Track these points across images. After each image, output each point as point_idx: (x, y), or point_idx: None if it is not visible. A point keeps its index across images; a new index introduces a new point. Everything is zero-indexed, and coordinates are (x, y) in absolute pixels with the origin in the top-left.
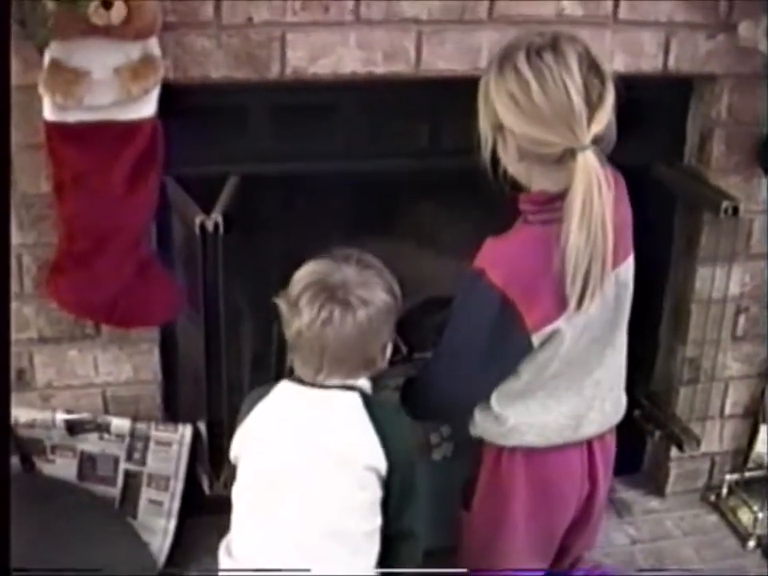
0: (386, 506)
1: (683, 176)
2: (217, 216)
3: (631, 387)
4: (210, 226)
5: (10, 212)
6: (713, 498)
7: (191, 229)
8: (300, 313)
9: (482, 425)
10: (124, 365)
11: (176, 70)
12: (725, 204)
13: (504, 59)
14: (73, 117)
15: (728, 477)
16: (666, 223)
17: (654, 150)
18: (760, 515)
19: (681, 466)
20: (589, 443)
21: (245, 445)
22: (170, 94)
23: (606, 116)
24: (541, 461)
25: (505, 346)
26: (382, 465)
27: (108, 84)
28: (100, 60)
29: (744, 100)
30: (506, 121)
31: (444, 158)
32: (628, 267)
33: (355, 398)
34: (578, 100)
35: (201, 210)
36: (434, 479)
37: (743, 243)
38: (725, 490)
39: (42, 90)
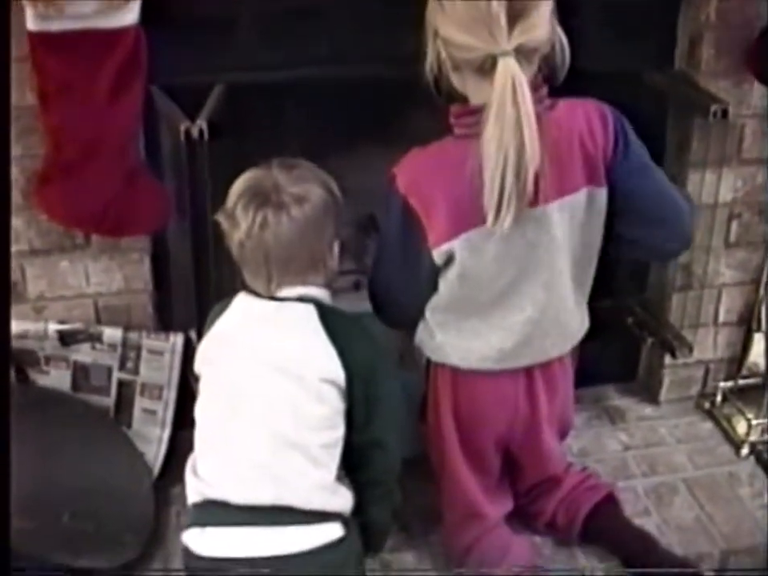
0: (352, 416)
1: (674, 81)
2: (201, 122)
3: (624, 295)
4: (195, 133)
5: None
6: (707, 405)
7: (177, 136)
8: (237, 223)
9: (419, 335)
10: (115, 274)
11: None
12: (714, 107)
13: None
14: (55, 26)
15: (722, 384)
16: (658, 129)
17: (644, 55)
18: (754, 422)
19: (675, 373)
20: (529, 369)
21: (204, 359)
22: (155, 2)
23: (532, 27)
24: (465, 382)
25: (415, 255)
26: (340, 376)
27: None
28: None
29: (733, 3)
30: (435, 24)
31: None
32: (578, 201)
33: (310, 310)
34: (496, 4)
35: (188, 119)
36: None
37: (734, 148)
38: (719, 398)
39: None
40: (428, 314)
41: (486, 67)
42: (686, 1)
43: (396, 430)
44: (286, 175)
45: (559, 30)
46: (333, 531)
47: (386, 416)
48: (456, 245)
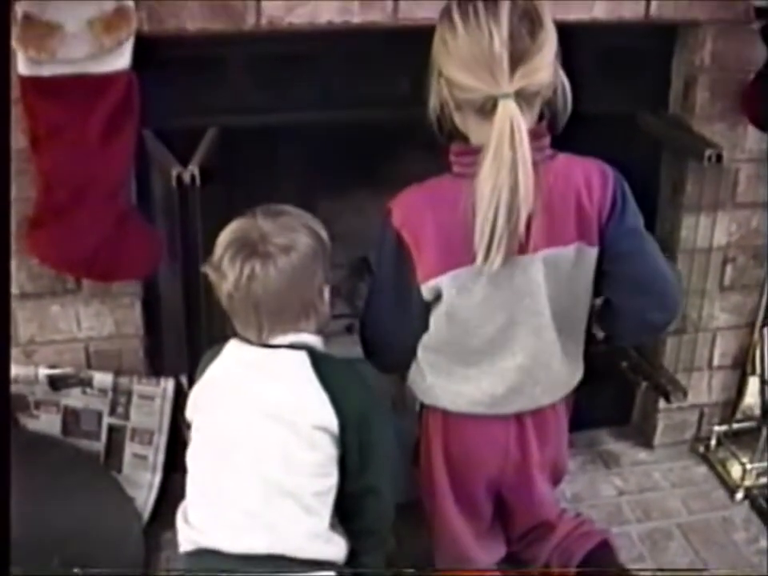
0: (346, 463)
1: (668, 124)
2: (193, 168)
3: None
4: (186, 178)
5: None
6: (701, 449)
7: (169, 181)
8: (225, 275)
9: (411, 376)
10: (106, 319)
11: (151, 21)
12: (708, 151)
13: (444, 8)
14: (47, 71)
15: (717, 428)
16: (652, 172)
17: (638, 98)
18: (749, 467)
19: (669, 417)
20: (520, 415)
21: (196, 406)
22: (146, 47)
23: (534, 71)
24: (456, 425)
25: (406, 290)
26: (333, 423)
27: (81, 37)
28: (72, 13)
29: (727, 46)
30: (439, 64)
31: (425, 106)
32: (567, 255)
33: (302, 357)
34: (499, 47)
35: (180, 162)
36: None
37: (729, 192)
38: (713, 442)
39: (14, 44)
40: (420, 352)
41: (487, 108)
42: (680, 44)
43: (390, 478)
44: (271, 224)
45: (562, 75)
46: None
47: (379, 463)
48: (443, 281)
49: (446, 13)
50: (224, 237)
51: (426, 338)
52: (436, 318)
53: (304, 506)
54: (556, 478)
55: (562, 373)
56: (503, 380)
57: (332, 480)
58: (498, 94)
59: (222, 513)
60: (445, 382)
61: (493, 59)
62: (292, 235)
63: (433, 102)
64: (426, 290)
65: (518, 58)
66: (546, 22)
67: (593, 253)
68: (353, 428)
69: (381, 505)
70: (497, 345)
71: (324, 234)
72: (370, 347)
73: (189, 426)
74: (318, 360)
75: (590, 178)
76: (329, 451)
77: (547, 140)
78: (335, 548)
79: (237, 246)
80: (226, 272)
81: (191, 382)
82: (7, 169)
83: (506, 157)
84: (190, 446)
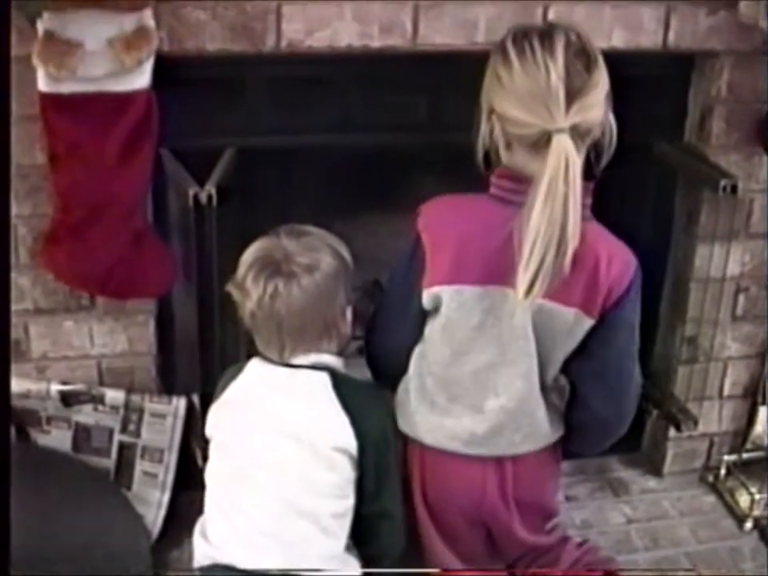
0: (362, 485)
1: (683, 153)
2: (210, 188)
3: None
4: (203, 198)
5: (10, 183)
6: (711, 478)
7: (186, 201)
8: (248, 294)
9: (398, 399)
10: (119, 336)
11: (171, 41)
12: (723, 182)
13: (498, 44)
14: (66, 88)
15: (726, 458)
16: (667, 201)
17: (654, 127)
18: (758, 497)
19: (679, 446)
20: (500, 459)
21: (216, 424)
22: (166, 66)
23: (589, 107)
24: (433, 460)
25: (409, 292)
26: (352, 445)
27: (101, 55)
28: (93, 31)
29: (744, 77)
30: (491, 100)
31: (442, 132)
32: (565, 316)
33: (323, 378)
34: (556, 82)
35: (197, 182)
36: None
37: (743, 222)
38: (723, 471)
39: (35, 61)
40: (411, 368)
41: (541, 144)
42: (697, 74)
43: (402, 502)
44: (295, 244)
45: (611, 117)
46: None
47: (394, 487)
48: (445, 292)
49: (500, 49)
50: (248, 255)
51: (418, 349)
52: (431, 331)
53: (321, 527)
54: (544, 519)
55: (545, 424)
56: (484, 419)
57: (349, 502)
58: (553, 128)
59: (239, 530)
60: (427, 409)
61: (549, 94)
62: (315, 255)
63: (482, 140)
64: (427, 296)
65: (574, 93)
66: (600, 59)
67: (587, 324)
68: (371, 451)
69: (394, 529)
70: (482, 380)
71: (347, 254)
72: (371, 350)
73: (201, 445)
74: (338, 381)
75: (613, 256)
76: (347, 473)
77: (590, 200)
78: (350, 570)
79: (260, 264)
80: (249, 290)
81: (203, 402)
82: (7, 180)
83: (560, 192)
84: (209, 463)
